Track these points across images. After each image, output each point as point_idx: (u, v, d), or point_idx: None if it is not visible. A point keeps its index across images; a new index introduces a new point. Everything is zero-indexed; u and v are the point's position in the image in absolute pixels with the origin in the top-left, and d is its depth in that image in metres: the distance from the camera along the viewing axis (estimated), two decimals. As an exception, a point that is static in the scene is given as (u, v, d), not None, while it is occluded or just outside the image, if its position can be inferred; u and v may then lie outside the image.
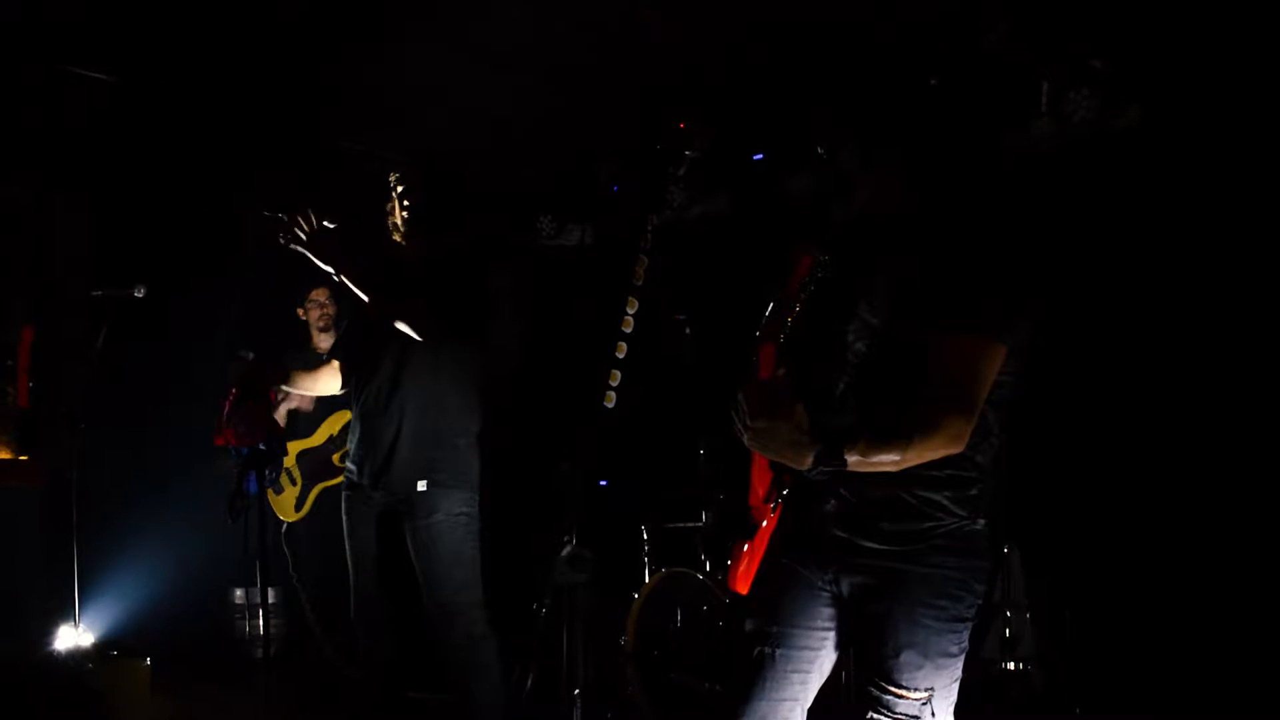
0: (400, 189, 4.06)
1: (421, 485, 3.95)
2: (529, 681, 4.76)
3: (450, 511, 3.97)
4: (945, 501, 2.53)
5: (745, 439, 2.46)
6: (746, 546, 2.68)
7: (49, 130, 6.46)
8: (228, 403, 3.96)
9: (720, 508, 5.71)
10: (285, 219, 3.87)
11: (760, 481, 2.67)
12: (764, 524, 2.67)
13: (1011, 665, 5.36)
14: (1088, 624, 5.57)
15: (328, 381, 4.32)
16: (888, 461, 2.44)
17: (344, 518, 4.16)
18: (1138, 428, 5.60)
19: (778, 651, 2.65)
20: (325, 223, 3.90)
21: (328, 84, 6.36)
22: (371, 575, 4.12)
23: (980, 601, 2.59)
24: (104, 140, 6.52)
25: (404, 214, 4.05)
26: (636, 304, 4.66)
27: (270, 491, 6.00)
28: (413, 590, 4.04)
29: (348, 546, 4.15)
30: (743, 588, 2.72)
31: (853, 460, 2.41)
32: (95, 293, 5.51)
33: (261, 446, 3.91)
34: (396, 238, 4.11)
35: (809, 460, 2.40)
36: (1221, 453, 5.41)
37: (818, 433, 2.40)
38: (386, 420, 4.01)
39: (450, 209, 4.12)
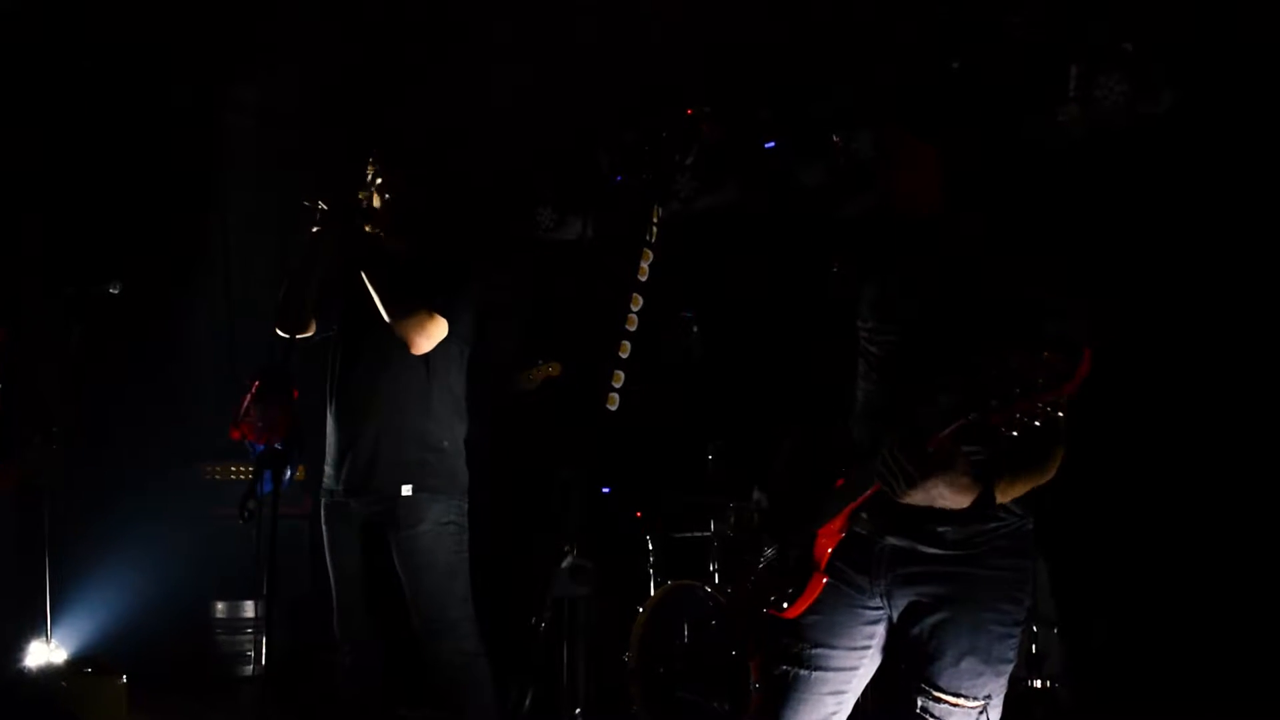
0: (381, 183, 4.07)
1: (406, 490, 3.93)
2: (528, 699, 4.76)
3: (437, 521, 3.96)
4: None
5: (903, 495, 2.50)
6: (825, 580, 2.70)
7: (14, 122, 6.49)
8: (248, 395, 3.96)
9: (747, 516, 5.71)
10: (324, 205, 3.89)
11: (844, 513, 2.68)
12: (829, 552, 2.70)
13: (1038, 683, 5.36)
14: (1117, 640, 5.57)
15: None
16: (1016, 494, 2.55)
17: (323, 528, 4.15)
18: (1172, 433, 5.59)
19: (813, 674, 2.69)
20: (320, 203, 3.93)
21: (315, 73, 6.39)
22: (357, 591, 4.09)
23: (1030, 603, 2.65)
24: (76, 132, 6.54)
25: (388, 213, 4.06)
26: (641, 300, 4.67)
27: None
28: (400, 605, 4.03)
29: (329, 560, 4.12)
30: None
31: (998, 497, 2.50)
32: (69, 290, 5.52)
33: (278, 446, 3.91)
34: (370, 229, 4.12)
35: (966, 503, 2.48)
36: (1263, 461, 5.41)
37: (977, 476, 2.47)
38: (367, 420, 4.01)
39: (430, 205, 4.16)
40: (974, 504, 2.48)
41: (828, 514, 2.70)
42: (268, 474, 3.84)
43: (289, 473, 3.96)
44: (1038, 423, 2.28)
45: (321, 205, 3.91)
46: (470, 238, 4.24)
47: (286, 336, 4.03)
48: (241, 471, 6.81)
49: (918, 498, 2.49)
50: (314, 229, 3.92)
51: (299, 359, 4.06)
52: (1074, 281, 2.56)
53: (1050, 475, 2.56)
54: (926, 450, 2.45)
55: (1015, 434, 2.31)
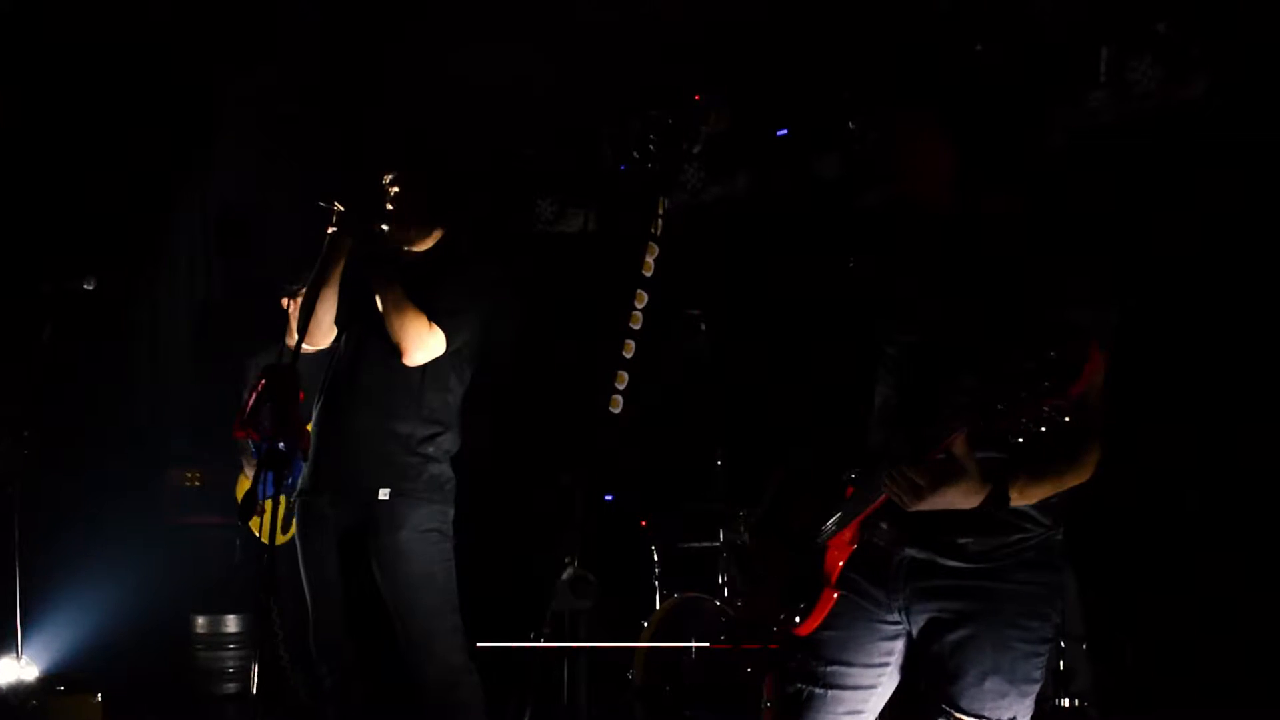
0: (396, 190, 4.12)
1: (384, 493, 3.94)
2: (526, 717, 4.80)
3: (418, 527, 3.96)
4: (1032, 511, 2.58)
5: (912, 506, 2.51)
6: (836, 595, 2.71)
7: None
8: (254, 393, 3.98)
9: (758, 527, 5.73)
10: (340, 206, 3.91)
11: (852, 526, 2.70)
12: (841, 565, 2.71)
13: (1066, 702, 5.38)
14: (1149, 656, 5.59)
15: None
16: (1039, 496, 2.53)
17: (298, 537, 4.14)
18: (1211, 437, 5.59)
19: (829, 692, 2.70)
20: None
21: (304, 63, 6.41)
22: (335, 604, 4.08)
23: (1060, 619, 2.64)
24: (55, 126, 6.59)
25: (399, 216, 4.10)
26: (646, 297, 4.70)
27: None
28: (382, 619, 4.04)
29: (303, 570, 4.12)
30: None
31: (1013, 498, 2.48)
32: (43, 285, 5.55)
33: (281, 445, 3.93)
34: (391, 232, 4.16)
35: (976, 503, 2.47)
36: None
37: (987, 475, 2.45)
38: (350, 420, 4.03)
39: (449, 208, 4.20)
40: (987, 504, 2.46)
41: (837, 527, 2.71)
42: (269, 475, 3.85)
43: (292, 477, 3.98)
44: (1044, 428, 2.27)
45: (338, 206, 3.93)
46: (489, 237, 4.24)
47: (311, 349, 4.10)
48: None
49: (926, 506, 2.49)
50: (329, 230, 3.95)
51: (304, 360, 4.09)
52: (1099, 278, 2.56)
53: (1084, 475, 2.54)
54: (933, 460, 2.44)
55: (1021, 440, 2.31)
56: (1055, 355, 2.22)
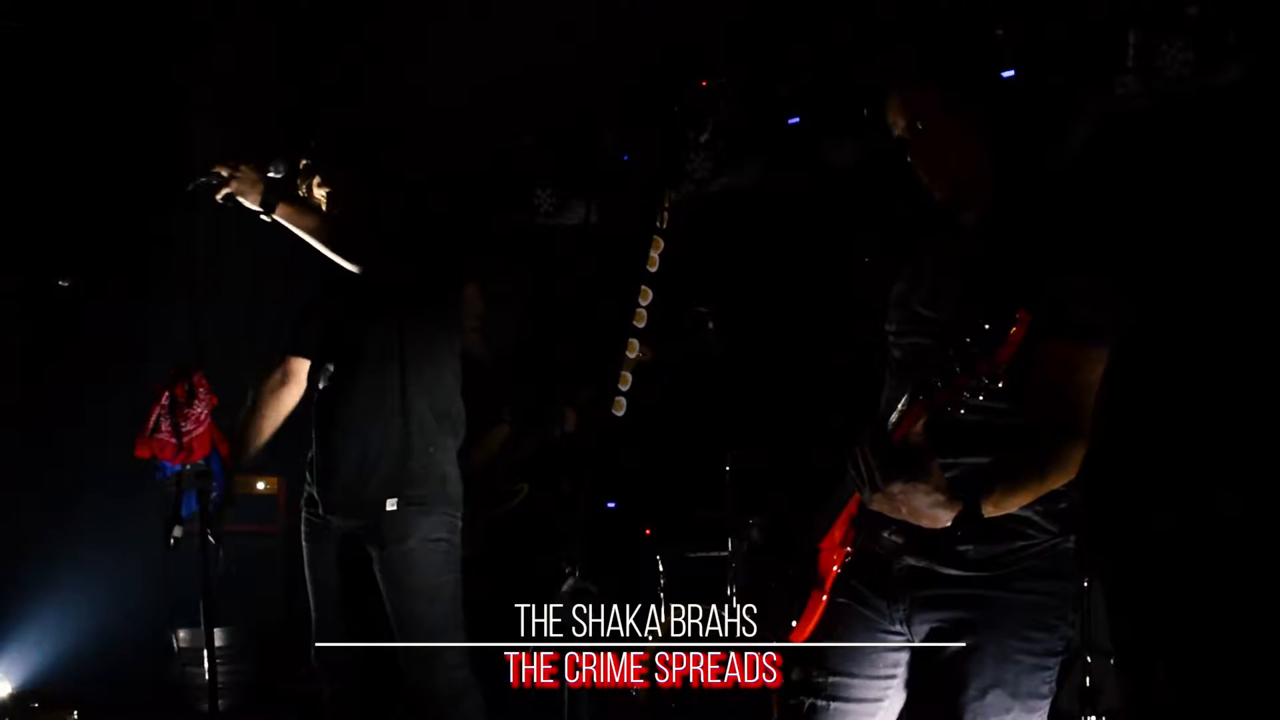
0: (316, 177, 4.16)
1: (391, 504, 3.97)
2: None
3: (426, 537, 3.99)
4: (1036, 518, 2.57)
5: (872, 501, 2.50)
6: (825, 598, 2.71)
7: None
8: (156, 407, 3.97)
9: (763, 533, 5.73)
10: (212, 179, 3.87)
11: (839, 523, 2.69)
12: (835, 569, 2.71)
13: (1092, 719, 5.39)
14: (1182, 672, 5.58)
15: (287, 396, 4.38)
16: (1019, 504, 2.51)
17: (303, 544, 4.21)
18: (1248, 433, 5.58)
19: (832, 705, 2.70)
20: (271, 173, 3.92)
21: (293, 48, 6.43)
22: (336, 612, 4.14)
23: (1072, 632, 2.63)
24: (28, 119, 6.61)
25: (324, 193, 4.14)
26: (650, 294, 4.69)
27: None
28: (384, 629, 4.07)
29: (308, 578, 4.18)
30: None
31: (988, 512, 2.46)
32: (14, 282, 5.56)
33: (201, 463, 3.94)
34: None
35: (946, 521, 2.45)
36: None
37: (955, 491, 2.44)
38: (352, 428, 4.05)
39: (373, 173, 4.22)
40: (961, 522, 2.45)
41: (824, 526, 2.71)
42: (189, 495, 3.86)
43: (216, 490, 4.00)
44: (981, 397, 2.29)
45: (206, 179, 3.88)
46: (448, 247, 4.28)
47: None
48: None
49: (885, 506, 2.48)
50: (219, 198, 3.88)
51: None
52: (1103, 279, 2.55)
53: (1067, 475, 2.53)
54: (892, 447, 2.43)
55: (963, 411, 2.33)
56: (986, 325, 2.25)
